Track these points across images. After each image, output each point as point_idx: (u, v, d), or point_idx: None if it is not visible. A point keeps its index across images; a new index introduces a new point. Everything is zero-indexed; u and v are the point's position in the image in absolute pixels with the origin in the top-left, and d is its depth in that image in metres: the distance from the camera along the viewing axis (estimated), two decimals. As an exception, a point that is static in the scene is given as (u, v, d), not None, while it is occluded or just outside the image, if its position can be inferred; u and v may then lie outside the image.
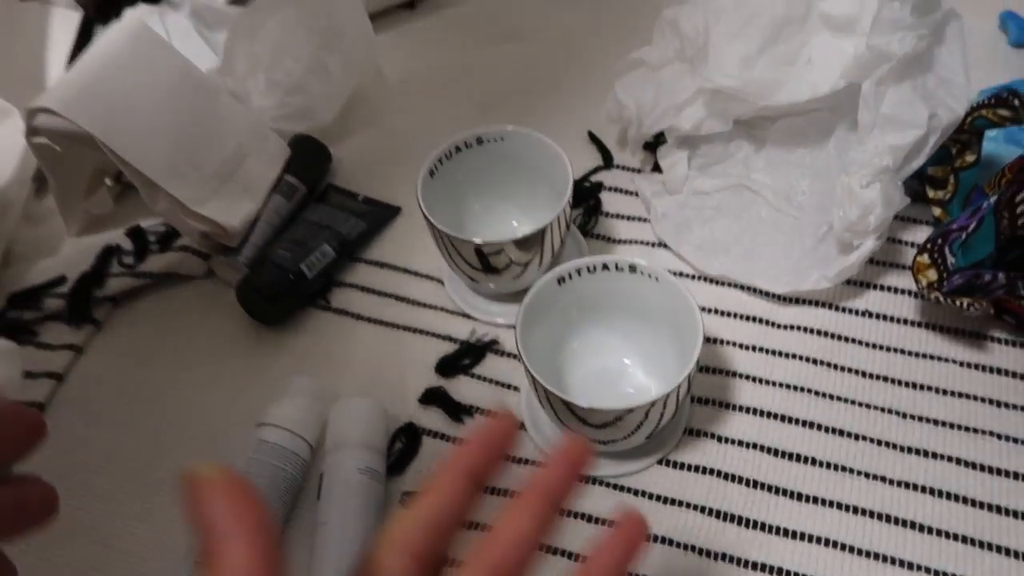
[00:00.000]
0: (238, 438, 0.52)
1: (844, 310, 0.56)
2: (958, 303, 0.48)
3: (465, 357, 0.56)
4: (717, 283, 0.58)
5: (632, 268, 0.49)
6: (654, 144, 0.65)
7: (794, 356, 0.54)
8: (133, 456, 0.53)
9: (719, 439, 0.51)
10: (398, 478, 0.50)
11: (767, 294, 0.56)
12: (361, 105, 0.71)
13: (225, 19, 0.73)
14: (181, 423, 0.54)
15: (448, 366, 0.55)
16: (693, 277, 0.59)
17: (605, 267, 0.49)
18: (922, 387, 0.52)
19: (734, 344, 0.55)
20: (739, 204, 0.60)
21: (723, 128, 0.61)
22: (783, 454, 0.50)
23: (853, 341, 0.54)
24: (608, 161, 0.66)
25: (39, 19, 0.72)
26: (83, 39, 0.72)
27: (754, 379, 0.53)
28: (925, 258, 0.50)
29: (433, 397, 0.54)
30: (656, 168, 0.65)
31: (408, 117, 0.71)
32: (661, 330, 0.50)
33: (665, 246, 0.60)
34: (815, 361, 0.53)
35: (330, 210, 0.62)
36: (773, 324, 0.55)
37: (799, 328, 0.55)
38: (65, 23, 0.72)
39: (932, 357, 0.53)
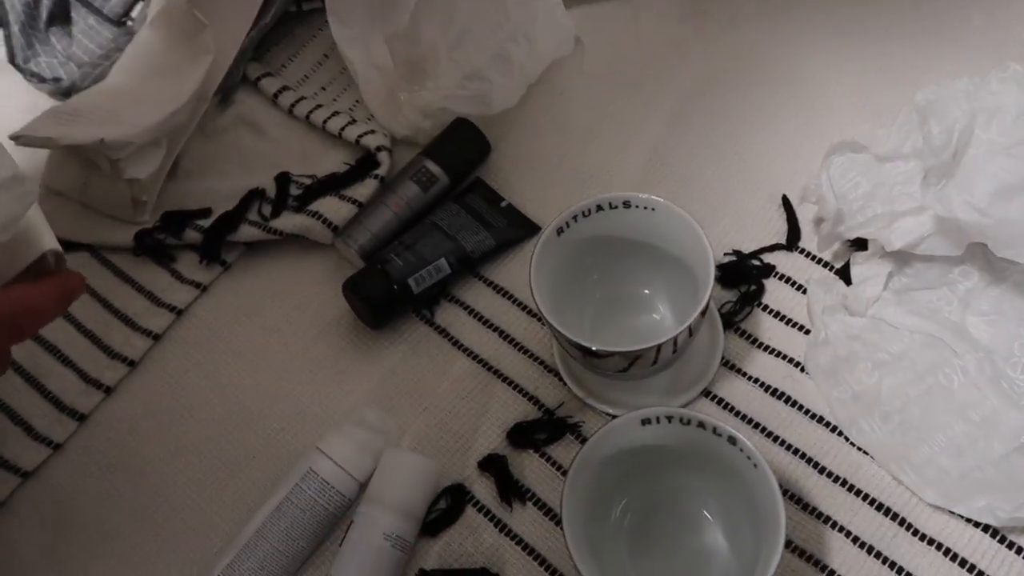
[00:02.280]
0: (303, 434, 0.52)
1: (1013, 547, 0.43)
2: None
3: (541, 430, 0.51)
4: (859, 448, 0.47)
5: (732, 440, 0.40)
6: (857, 241, 0.52)
7: (917, 583, 0.43)
8: (209, 420, 0.54)
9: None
10: (429, 540, 0.48)
11: (916, 489, 0.45)
12: (544, 89, 0.64)
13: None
14: (259, 400, 0.55)
15: (520, 435, 0.51)
16: (832, 428, 0.48)
17: (701, 425, 0.41)
18: None
19: (849, 536, 0.45)
20: (928, 360, 0.47)
21: (951, 253, 0.48)
22: None
23: (1006, 595, 0.42)
24: (793, 242, 0.55)
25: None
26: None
27: (853, 591, 0.43)
28: None
29: (491, 464, 0.50)
30: (845, 271, 0.52)
31: (589, 117, 0.63)
32: (746, 513, 0.41)
33: (815, 378, 0.49)
34: (941, 602, 0.42)
35: (464, 215, 0.57)
36: (910, 528, 0.45)
37: (941, 548, 0.44)
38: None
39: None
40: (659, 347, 0.44)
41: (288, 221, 0.59)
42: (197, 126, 0.65)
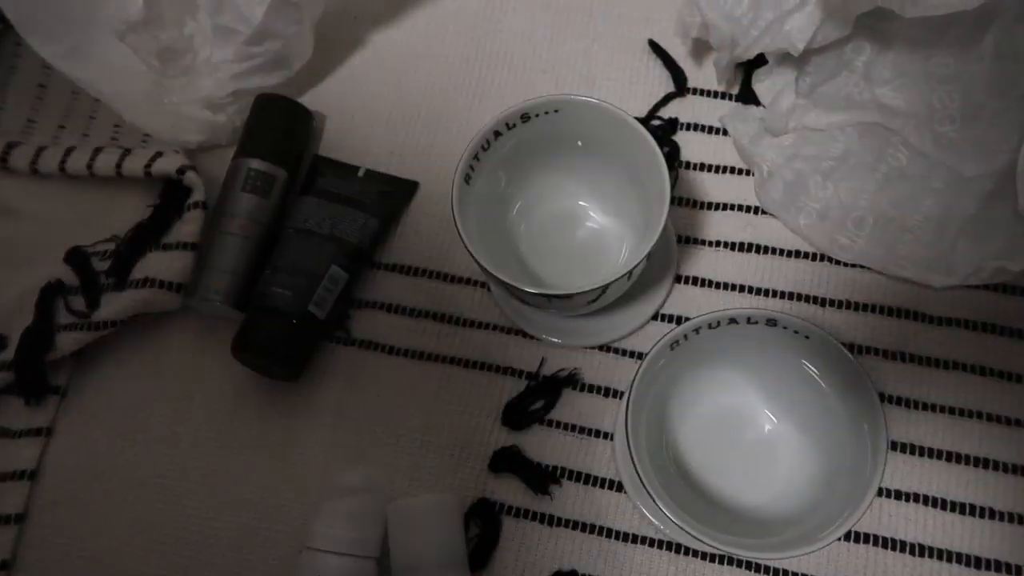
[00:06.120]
0: (275, 541, 0.42)
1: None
2: None
3: (535, 398, 0.44)
4: (850, 264, 0.45)
5: (771, 322, 0.36)
6: (748, 62, 0.48)
7: (957, 366, 0.42)
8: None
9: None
10: (482, 574, 0.41)
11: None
12: (333, 22, 0.53)
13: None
14: (197, 527, 0.43)
15: (517, 415, 0.44)
16: (814, 256, 0.45)
17: (733, 321, 0.36)
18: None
19: (875, 352, 0.43)
20: (871, 148, 0.45)
21: (842, 32, 0.45)
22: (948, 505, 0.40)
23: (1033, 338, 0.42)
24: (682, 85, 0.50)
25: None
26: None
27: (902, 402, 0.42)
28: None
29: (505, 461, 0.43)
30: (745, 93, 0.48)
31: (401, 32, 0.53)
32: (810, 394, 0.38)
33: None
34: (988, 371, 0.42)
35: (327, 205, 0.46)
36: (925, 319, 0.43)
37: (960, 323, 0.43)
38: None
39: None
40: (631, 271, 0.38)
41: (115, 305, 0.46)
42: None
